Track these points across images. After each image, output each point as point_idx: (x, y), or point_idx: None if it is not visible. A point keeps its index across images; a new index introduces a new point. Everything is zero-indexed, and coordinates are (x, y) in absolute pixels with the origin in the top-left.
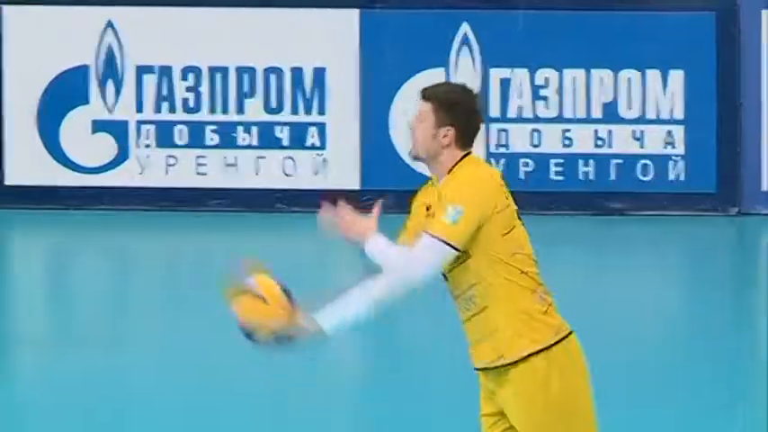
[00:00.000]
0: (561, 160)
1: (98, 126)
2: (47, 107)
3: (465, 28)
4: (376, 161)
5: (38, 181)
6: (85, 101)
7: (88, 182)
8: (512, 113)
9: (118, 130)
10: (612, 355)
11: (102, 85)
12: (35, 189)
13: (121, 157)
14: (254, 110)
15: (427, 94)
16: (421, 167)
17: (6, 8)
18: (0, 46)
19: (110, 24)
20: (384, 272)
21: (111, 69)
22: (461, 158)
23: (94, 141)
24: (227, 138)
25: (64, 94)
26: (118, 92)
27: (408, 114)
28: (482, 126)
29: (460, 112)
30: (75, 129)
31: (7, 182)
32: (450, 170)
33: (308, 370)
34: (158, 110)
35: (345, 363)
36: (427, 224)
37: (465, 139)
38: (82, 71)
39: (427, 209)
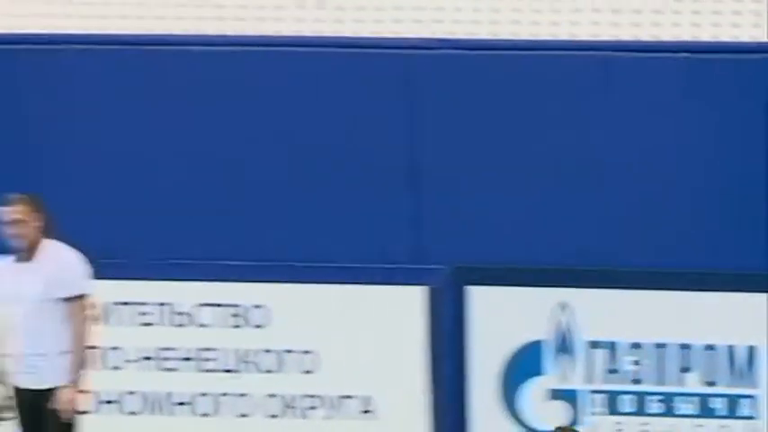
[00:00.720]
0: None
1: (553, 394)
2: (509, 377)
3: None
4: None
5: None
6: (542, 372)
7: None
8: None
9: (571, 398)
10: None
11: (556, 358)
12: None
13: (573, 423)
14: (693, 382)
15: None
16: None
17: (473, 288)
18: (465, 324)
19: (564, 304)
20: None
21: (564, 344)
22: None
23: (550, 408)
24: (668, 407)
25: (524, 365)
26: (571, 364)
27: None
28: None
29: None
30: (533, 396)
31: None
32: None
33: None
34: (606, 381)
35: None
36: None
37: None
38: (538, 345)
39: None
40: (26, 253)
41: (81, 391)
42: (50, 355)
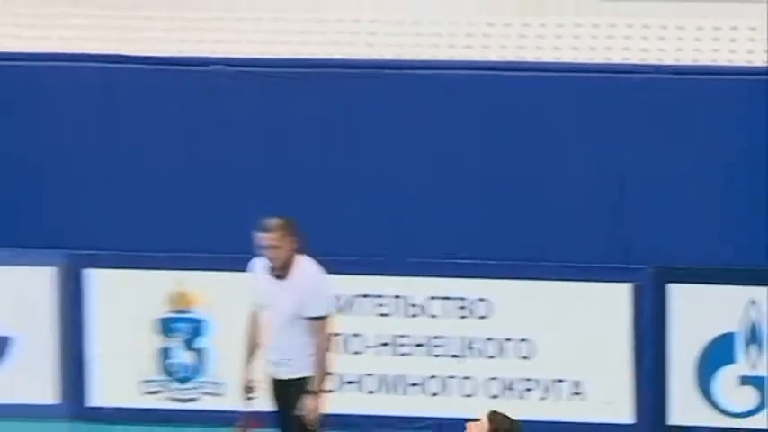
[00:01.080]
0: None
1: (743, 380)
2: (704, 365)
3: None
4: None
5: (693, 421)
6: (733, 360)
7: (733, 424)
8: None
9: (759, 384)
10: None
11: (747, 348)
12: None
13: (761, 406)
14: None
15: (490, 416)
16: None
17: (673, 286)
18: (665, 317)
19: (754, 300)
20: None
21: (754, 336)
22: None
23: (740, 393)
24: None
25: (717, 354)
26: (759, 353)
27: None
28: None
29: None
30: (725, 382)
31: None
32: None
33: None
34: None
35: None
36: None
37: None
38: (731, 337)
39: None
40: (281, 271)
41: (322, 401)
42: (298, 358)
